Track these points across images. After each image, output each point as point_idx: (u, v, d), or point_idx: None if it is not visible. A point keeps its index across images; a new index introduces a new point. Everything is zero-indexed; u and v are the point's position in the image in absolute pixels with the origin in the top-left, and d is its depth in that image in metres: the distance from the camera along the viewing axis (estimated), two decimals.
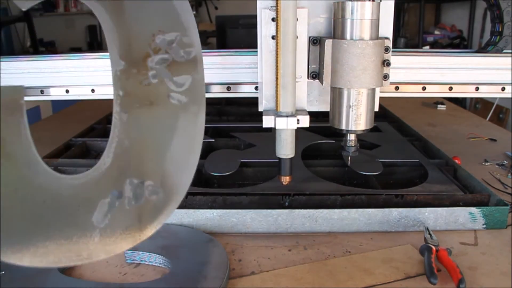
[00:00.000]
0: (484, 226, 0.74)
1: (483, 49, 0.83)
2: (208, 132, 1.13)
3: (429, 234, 0.69)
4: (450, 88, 0.82)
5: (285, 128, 0.70)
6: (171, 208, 0.47)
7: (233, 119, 1.29)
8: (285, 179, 0.75)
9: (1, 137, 0.42)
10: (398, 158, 0.95)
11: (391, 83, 0.80)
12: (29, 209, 0.43)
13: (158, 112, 0.46)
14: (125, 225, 0.46)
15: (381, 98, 0.77)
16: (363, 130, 0.72)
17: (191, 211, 0.73)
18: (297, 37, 0.68)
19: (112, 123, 0.46)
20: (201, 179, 0.89)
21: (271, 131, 0.73)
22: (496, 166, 1.03)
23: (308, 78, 0.74)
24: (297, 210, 0.73)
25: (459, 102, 3.02)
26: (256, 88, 0.79)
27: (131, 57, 0.45)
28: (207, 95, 0.84)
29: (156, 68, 0.45)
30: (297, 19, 0.67)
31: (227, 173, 0.87)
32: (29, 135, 0.43)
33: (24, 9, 0.43)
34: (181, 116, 0.46)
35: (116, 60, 0.46)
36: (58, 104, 1.93)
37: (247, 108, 1.34)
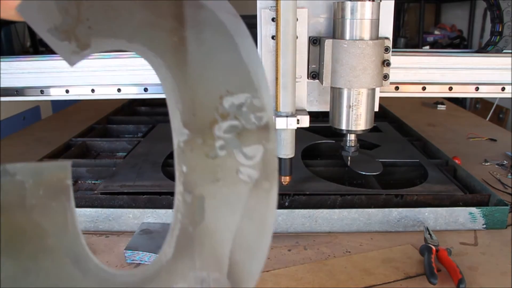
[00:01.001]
0: (484, 226, 0.74)
1: (483, 49, 0.83)
2: None
3: (429, 234, 0.69)
4: (450, 88, 0.82)
5: (285, 128, 0.70)
6: None
7: None
8: (285, 179, 0.75)
9: (42, 228, 0.35)
10: (398, 158, 0.95)
11: (391, 83, 0.80)
12: None
13: (225, 191, 0.39)
14: None
15: (381, 98, 0.77)
16: (363, 130, 0.72)
17: None
18: (297, 37, 0.68)
19: (174, 206, 0.40)
20: None
21: None
22: (496, 166, 1.03)
23: (308, 78, 0.74)
24: (297, 210, 0.73)
25: (459, 102, 3.02)
26: None
27: (196, 124, 0.38)
28: None
29: (224, 138, 0.38)
30: (297, 19, 0.67)
31: None
32: (76, 223, 0.36)
33: (72, 66, 0.36)
34: (251, 194, 0.39)
35: (178, 128, 0.38)
36: (58, 104, 1.93)
37: None
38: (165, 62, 0.36)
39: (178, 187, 0.39)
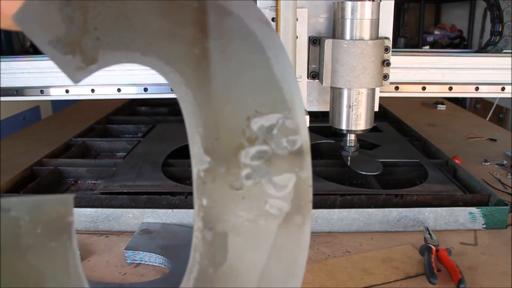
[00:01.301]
0: (484, 226, 0.74)
1: (483, 49, 0.84)
2: None
3: (429, 234, 0.69)
4: (450, 88, 0.82)
5: None
6: None
7: None
8: None
9: (40, 272, 0.31)
10: (398, 158, 0.95)
11: (391, 83, 0.80)
12: None
13: (251, 226, 0.34)
14: None
15: (381, 98, 0.77)
16: (363, 130, 0.72)
17: (191, 211, 0.73)
18: (297, 37, 0.68)
19: (192, 245, 0.35)
20: None
21: None
22: (496, 166, 1.03)
23: (308, 78, 0.74)
24: None
25: (459, 102, 3.02)
26: None
27: (219, 150, 0.33)
28: None
29: (252, 165, 0.33)
30: (297, 19, 0.67)
31: None
32: (78, 265, 0.32)
33: (76, 83, 0.29)
34: (280, 230, 0.34)
35: (199, 155, 0.33)
36: (58, 104, 1.93)
37: None
38: (185, 79, 0.32)
39: (197, 224, 0.34)
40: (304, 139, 0.34)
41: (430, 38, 3.78)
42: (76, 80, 0.29)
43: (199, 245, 0.34)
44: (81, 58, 0.29)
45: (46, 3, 0.28)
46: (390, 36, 0.73)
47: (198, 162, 0.33)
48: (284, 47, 0.33)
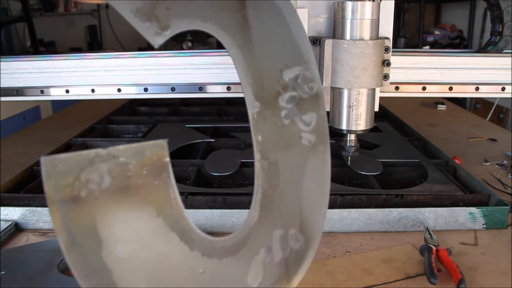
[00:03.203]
0: (484, 226, 0.74)
1: (483, 49, 0.83)
2: (208, 132, 1.13)
3: (429, 234, 0.69)
4: (450, 88, 0.82)
5: None
6: (311, 253, 0.45)
7: (233, 119, 1.29)
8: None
9: (149, 207, 0.37)
10: (398, 158, 0.95)
11: (391, 83, 0.80)
12: (190, 282, 0.39)
13: (293, 155, 0.44)
14: (275, 279, 0.43)
15: (381, 98, 0.77)
16: (363, 130, 0.72)
17: (191, 211, 0.73)
18: None
19: (255, 172, 0.43)
20: (201, 179, 0.89)
21: None
22: (496, 166, 1.03)
23: None
24: None
25: (459, 102, 3.02)
26: None
27: (264, 97, 0.43)
28: (207, 95, 0.85)
29: (287, 108, 0.43)
30: None
31: (227, 173, 0.87)
32: (179, 198, 0.38)
33: (156, 46, 0.39)
34: (311, 157, 0.44)
35: (251, 101, 0.43)
36: (58, 104, 1.93)
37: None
38: (235, 41, 0.41)
39: (256, 155, 0.43)
40: (318, 85, 0.44)
41: (430, 38, 3.78)
42: (156, 43, 0.37)
43: (259, 173, 0.43)
44: (157, 25, 0.37)
45: None
46: (390, 36, 0.73)
47: (252, 107, 0.43)
48: (298, 14, 0.42)
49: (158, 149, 0.37)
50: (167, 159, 0.37)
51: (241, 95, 0.84)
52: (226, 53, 0.85)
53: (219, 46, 0.46)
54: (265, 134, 0.43)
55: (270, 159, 0.43)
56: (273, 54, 0.42)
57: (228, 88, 0.83)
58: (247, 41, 0.41)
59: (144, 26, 0.36)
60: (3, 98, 0.87)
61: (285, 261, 0.43)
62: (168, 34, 0.37)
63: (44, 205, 0.74)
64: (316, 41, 0.72)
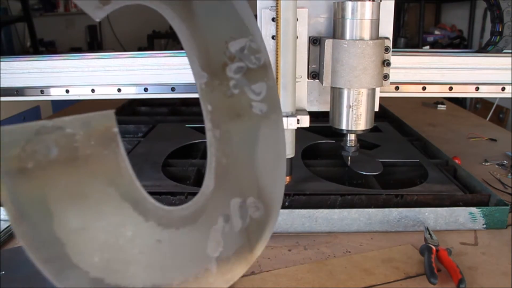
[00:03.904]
0: (484, 226, 0.74)
1: (483, 49, 0.83)
2: None
3: (429, 234, 0.69)
4: (450, 88, 0.82)
5: (285, 128, 0.70)
6: (273, 221, 0.45)
7: None
8: (285, 179, 0.75)
9: (99, 177, 0.36)
10: (398, 158, 0.95)
11: (391, 83, 0.80)
12: (146, 253, 0.38)
13: (245, 124, 0.44)
14: (237, 249, 0.43)
15: (381, 98, 0.77)
16: (363, 130, 0.72)
17: None
18: (297, 37, 0.68)
19: (207, 142, 0.44)
20: (201, 179, 0.89)
21: None
22: (496, 166, 1.03)
23: (308, 78, 0.74)
24: (297, 210, 0.73)
25: (459, 102, 3.02)
26: None
27: (211, 67, 0.43)
28: None
29: (235, 78, 0.44)
30: (297, 19, 0.67)
31: None
32: (129, 167, 0.38)
33: (97, 20, 0.39)
34: (264, 125, 0.45)
35: (198, 72, 0.43)
36: (58, 104, 1.92)
37: None
38: (177, 13, 0.41)
39: (207, 125, 0.43)
40: (265, 56, 0.45)
41: (430, 38, 3.78)
42: (96, 17, 0.37)
43: (212, 142, 0.43)
44: None
45: None
46: (390, 36, 0.73)
47: (199, 77, 0.43)
48: None
49: (105, 120, 0.38)
50: (115, 129, 0.37)
51: None
52: None
53: None
54: (215, 103, 0.43)
55: (222, 128, 0.43)
56: (217, 26, 0.42)
57: None
58: (189, 14, 0.41)
59: (85, 1, 0.37)
60: (3, 98, 0.87)
61: (245, 230, 0.44)
62: (109, 8, 0.38)
63: None
64: (316, 41, 0.72)
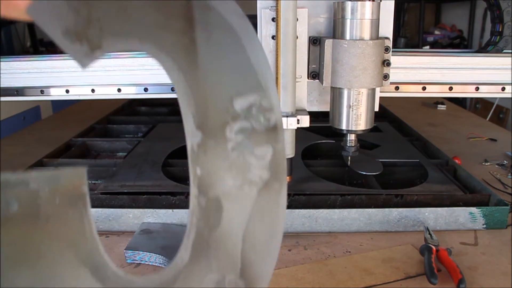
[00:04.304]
0: (484, 226, 0.74)
1: (483, 49, 0.83)
2: None
3: (429, 234, 0.69)
4: (450, 88, 0.82)
5: (285, 128, 0.70)
6: None
7: None
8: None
9: (59, 238, 0.34)
10: (398, 158, 0.95)
11: (391, 83, 0.80)
12: None
13: (238, 192, 0.39)
14: None
15: (381, 98, 0.77)
16: (363, 130, 0.72)
17: None
18: (297, 37, 0.68)
19: (189, 210, 0.40)
20: None
21: None
22: (496, 166, 1.03)
23: (308, 78, 0.74)
24: (297, 210, 0.73)
25: (459, 102, 3.02)
26: None
27: (208, 126, 0.38)
28: None
29: (235, 139, 0.38)
30: (297, 19, 0.67)
31: None
32: (94, 230, 0.35)
33: (84, 68, 0.37)
34: (262, 195, 0.39)
35: (192, 131, 0.38)
36: (58, 104, 1.93)
37: None
38: (177, 64, 0.36)
39: (193, 190, 0.38)
40: (277, 116, 0.39)
41: (430, 38, 3.78)
42: (84, 65, 0.33)
43: (195, 210, 0.38)
44: (87, 45, 0.33)
45: None
46: (390, 36, 0.73)
47: (192, 137, 0.38)
48: (256, 36, 0.37)
49: (75, 177, 0.34)
50: (85, 188, 0.34)
51: None
52: None
53: None
54: (206, 167, 0.38)
55: (209, 196, 0.38)
56: (222, 80, 0.37)
57: None
58: (191, 66, 0.36)
59: (73, 47, 0.33)
60: (3, 98, 0.87)
61: None
62: (99, 54, 0.33)
63: None
64: (316, 41, 0.72)
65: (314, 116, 0.74)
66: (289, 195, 0.77)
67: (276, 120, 0.39)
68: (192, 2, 0.35)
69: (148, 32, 0.34)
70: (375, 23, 0.67)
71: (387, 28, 0.73)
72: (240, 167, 0.38)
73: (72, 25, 0.32)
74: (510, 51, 0.81)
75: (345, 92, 0.70)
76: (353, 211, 0.73)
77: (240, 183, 0.38)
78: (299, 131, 0.72)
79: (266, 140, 0.38)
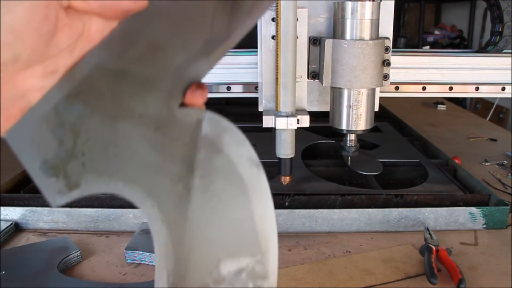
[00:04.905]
0: (484, 226, 0.74)
1: (483, 49, 0.83)
2: None
3: (429, 234, 0.69)
4: (450, 88, 0.82)
5: (285, 128, 0.70)
6: None
7: (233, 119, 1.28)
8: (285, 179, 0.75)
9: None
10: (398, 158, 0.95)
11: (391, 83, 0.80)
12: None
13: None
14: None
15: (381, 98, 0.77)
16: (363, 130, 0.72)
17: None
18: (297, 37, 0.68)
19: None
20: None
21: (271, 131, 0.73)
22: (496, 166, 1.03)
23: (308, 78, 0.74)
24: (297, 210, 0.73)
25: (459, 102, 3.02)
26: (256, 88, 0.79)
27: (184, 284, 0.32)
28: (208, 95, 0.85)
29: None
30: (297, 19, 0.67)
31: None
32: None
33: (54, 207, 0.31)
34: None
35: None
36: None
37: (247, 108, 1.34)
38: (162, 215, 0.30)
39: None
40: (272, 284, 0.34)
41: (430, 38, 3.78)
42: (54, 204, 0.28)
43: None
44: (64, 182, 0.28)
45: (39, 123, 0.26)
46: (390, 36, 0.73)
47: None
48: (269, 190, 0.31)
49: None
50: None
51: (241, 95, 0.85)
52: (226, 54, 0.85)
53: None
54: None
55: None
56: (213, 237, 0.30)
57: (228, 88, 0.83)
58: (179, 218, 0.30)
59: (47, 182, 0.28)
60: None
61: None
62: (75, 194, 0.28)
63: (44, 205, 0.74)
64: (316, 41, 0.72)
65: (314, 116, 0.74)
66: (289, 195, 0.77)
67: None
68: (198, 140, 0.30)
69: (137, 174, 0.29)
70: (375, 23, 0.67)
71: (387, 28, 0.73)
72: None
73: (52, 156, 0.27)
74: (510, 51, 0.81)
75: (345, 92, 0.70)
76: (353, 211, 0.73)
77: None
78: (299, 131, 0.72)
79: None
